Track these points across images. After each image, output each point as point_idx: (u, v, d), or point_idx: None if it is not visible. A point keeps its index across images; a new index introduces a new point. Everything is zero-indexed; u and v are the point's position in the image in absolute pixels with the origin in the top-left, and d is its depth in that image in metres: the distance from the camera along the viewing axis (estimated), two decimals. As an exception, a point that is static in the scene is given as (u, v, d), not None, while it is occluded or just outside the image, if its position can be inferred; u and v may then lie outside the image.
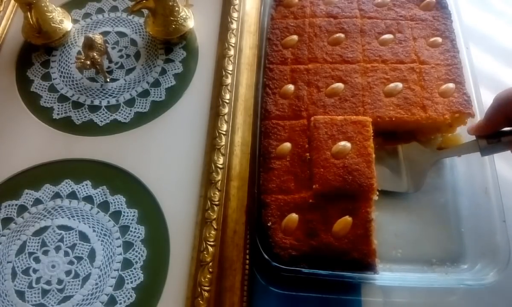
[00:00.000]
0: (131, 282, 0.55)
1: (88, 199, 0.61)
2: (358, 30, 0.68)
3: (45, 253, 0.57)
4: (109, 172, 0.63)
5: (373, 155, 0.56)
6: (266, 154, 0.59)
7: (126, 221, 0.59)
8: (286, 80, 0.65)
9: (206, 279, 0.54)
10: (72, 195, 0.61)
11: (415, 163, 0.62)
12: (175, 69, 0.72)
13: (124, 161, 0.63)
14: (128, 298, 0.54)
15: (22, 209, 0.60)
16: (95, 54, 0.66)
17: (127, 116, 0.68)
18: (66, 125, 0.67)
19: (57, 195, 0.61)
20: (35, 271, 0.56)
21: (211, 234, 0.57)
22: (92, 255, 0.57)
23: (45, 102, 0.69)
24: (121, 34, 0.76)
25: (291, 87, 0.64)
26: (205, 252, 0.56)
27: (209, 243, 0.56)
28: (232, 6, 0.76)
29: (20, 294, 0.54)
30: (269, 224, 0.54)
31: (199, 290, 0.53)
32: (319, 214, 0.54)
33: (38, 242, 0.58)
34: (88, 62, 0.66)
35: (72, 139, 0.66)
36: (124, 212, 0.60)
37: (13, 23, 0.77)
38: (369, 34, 0.68)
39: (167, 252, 0.57)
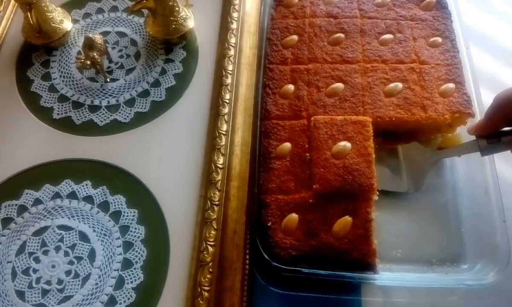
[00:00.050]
0: (131, 282, 0.55)
1: (88, 199, 0.61)
2: (358, 30, 0.68)
3: (45, 253, 0.57)
4: (109, 172, 0.63)
5: (373, 155, 0.56)
6: (266, 154, 0.59)
7: (126, 221, 0.59)
8: (286, 80, 0.65)
9: (206, 279, 0.54)
10: (72, 195, 0.61)
11: (415, 163, 0.62)
12: (175, 69, 0.72)
13: (124, 161, 0.63)
14: (128, 298, 0.54)
15: (22, 209, 0.60)
16: (95, 54, 0.66)
17: (127, 116, 0.68)
18: (66, 125, 0.67)
19: (57, 195, 0.61)
20: (35, 271, 0.56)
21: (211, 234, 0.57)
22: (92, 255, 0.57)
23: (45, 102, 0.69)
24: (121, 34, 0.76)
25: (291, 87, 0.64)
26: (205, 252, 0.56)
27: (209, 243, 0.56)
28: (232, 6, 0.76)
29: (20, 294, 0.54)
30: (269, 224, 0.54)
31: (199, 290, 0.53)
32: (319, 214, 0.54)
33: (38, 242, 0.58)
34: (88, 62, 0.66)
35: (72, 139, 0.66)
36: (124, 212, 0.60)
37: (13, 23, 0.77)
38: (369, 34, 0.68)
39: (167, 252, 0.57)
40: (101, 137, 0.66)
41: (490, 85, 0.68)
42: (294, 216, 0.54)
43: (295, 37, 0.68)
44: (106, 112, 0.68)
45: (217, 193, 0.60)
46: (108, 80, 0.71)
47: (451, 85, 0.62)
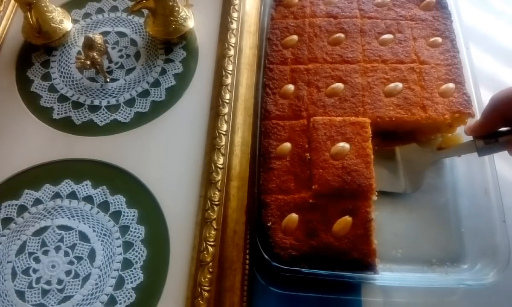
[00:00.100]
0: (131, 282, 0.55)
1: (88, 199, 0.61)
2: (358, 30, 0.68)
3: (45, 253, 0.57)
4: (109, 172, 0.63)
5: (372, 156, 0.56)
6: (266, 154, 0.59)
7: (126, 221, 0.59)
8: (286, 80, 0.65)
9: (206, 279, 0.54)
10: (72, 195, 0.61)
11: (413, 164, 0.62)
12: (175, 69, 0.72)
13: (124, 161, 0.63)
14: (128, 298, 0.54)
15: (22, 209, 0.60)
16: (95, 54, 0.66)
17: (127, 116, 0.68)
18: (66, 125, 0.67)
19: (57, 195, 0.61)
20: (35, 271, 0.56)
21: (211, 234, 0.57)
22: (92, 255, 0.57)
23: (45, 102, 0.69)
24: (121, 34, 0.76)
25: (291, 87, 0.64)
26: (205, 252, 0.56)
27: (209, 243, 0.56)
28: (232, 6, 0.76)
29: (20, 294, 0.54)
30: (269, 224, 0.54)
31: (199, 290, 0.53)
32: (319, 214, 0.54)
33: (38, 242, 0.58)
34: (88, 62, 0.66)
35: (72, 139, 0.66)
36: (124, 212, 0.60)
37: (13, 23, 0.77)
38: (369, 34, 0.68)
39: (167, 252, 0.57)
40: (101, 137, 0.66)
41: (490, 85, 0.68)
42: (294, 216, 0.54)
43: (295, 37, 0.68)
44: (106, 112, 0.68)
45: (217, 193, 0.60)
46: (108, 80, 0.71)
47: (451, 85, 0.62)
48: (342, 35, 0.68)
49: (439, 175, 0.63)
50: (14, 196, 0.61)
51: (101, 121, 0.67)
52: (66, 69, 0.72)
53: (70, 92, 0.70)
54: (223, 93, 0.68)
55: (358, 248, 0.52)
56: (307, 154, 0.58)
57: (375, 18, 0.70)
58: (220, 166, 0.62)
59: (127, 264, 0.56)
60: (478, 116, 0.60)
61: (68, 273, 0.56)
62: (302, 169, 0.57)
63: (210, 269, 0.55)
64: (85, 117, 0.68)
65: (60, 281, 0.55)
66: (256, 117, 0.63)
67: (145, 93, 0.70)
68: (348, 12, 0.70)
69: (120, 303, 0.54)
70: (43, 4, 0.70)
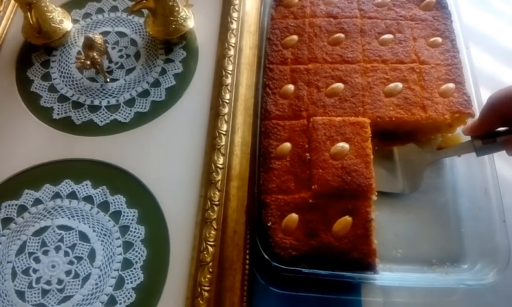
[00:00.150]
0: (131, 282, 0.55)
1: (88, 199, 0.61)
2: (358, 30, 0.68)
3: (45, 253, 0.57)
4: (109, 172, 0.63)
5: (371, 156, 0.56)
6: (266, 154, 0.59)
7: (126, 221, 0.59)
8: (286, 80, 0.65)
9: (206, 279, 0.54)
10: (72, 195, 0.61)
11: (411, 164, 0.62)
12: (175, 69, 0.72)
13: (124, 161, 0.63)
14: (128, 298, 0.54)
15: (22, 209, 0.60)
16: (95, 54, 0.66)
17: (127, 116, 0.68)
18: (66, 125, 0.67)
19: (57, 195, 0.61)
20: (35, 271, 0.56)
21: (211, 234, 0.57)
22: (92, 255, 0.57)
23: (45, 102, 0.69)
24: (121, 34, 0.76)
25: (291, 87, 0.64)
26: (205, 252, 0.56)
27: (209, 243, 0.56)
28: (232, 6, 0.76)
29: (20, 294, 0.54)
30: (269, 224, 0.54)
31: (199, 290, 0.53)
32: (319, 214, 0.54)
33: (38, 242, 0.58)
34: (88, 62, 0.66)
35: (72, 139, 0.66)
36: (124, 212, 0.60)
37: (13, 23, 0.77)
38: (369, 34, 0.68)
39: (167, 252, 0.57)
40: (101, 137, 0.66)
41: (490, 85, 0.68)
42: (294, 216, 0.54)
43: (295, 37, 0.68)
44: (106, 112, 0.68)
45: (217, 193, 0.60)
46: (108, 80, 0.71)
47: (451, 85, 0.62)
48: (342, 35, 0.68)
49: (439, 175, 0.63)
50: (14, 196, 0.61)
51: (101, 121, 0.67)
52: (66, 69, 0.72)
53: (70, 92, 0.70)
54: (223, 93, 0.68)
55: (358, 248, 0.52)
56: (307, 154, 0.58)
57: (375, 18, 0.70)
58: (220, 166, 0.62)
59: (127, 264, 0.56)
60: (477, 116, 0.60)
61: (68, 273, 0.56)
62: (302, 169, 0.57)
63: (210, 269, 0.55)
64: (85, 117, 0.68)
65: (60, 281, 0.55)
66: (256, 117, 0.63)
67: (145, 93, 0.70)
68: (348, 12, 0.70)
69: (120, 303, 0.54)
70: (43, 4, 0.70)
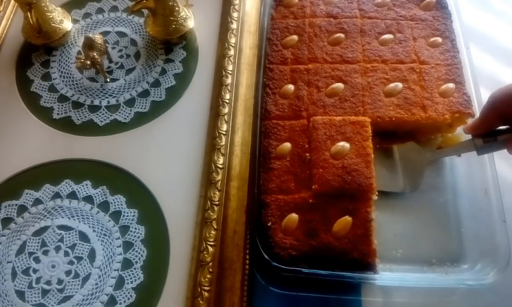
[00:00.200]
0: (131, 282, 0.55)
1: (88, 199, 0.61)
2: (358, 30, 0.68)
3: (45, 253, 0.57)
4: (109, 172, 0.63)
5: (372, 155, 0.56)
6: (266, 154, 0.59)
7: (126, 221, 0.59)
8: (286, 80, 0.65)
9: (206, 279, 0.54)
10: (72, 195, 0.61)
11: (412, 163, 0.62)
12: (175, 69, 0.72)
13: (124, 161, 0.63)
14: (128, 298, 0.54)
15: (22, 209, 0.60)
16: (95, 54, 0.66)
17: (127, 116, 0.68)
18: (66, 125, 0.67)
19: (57, 195, 0.61)
20: (35, 271, 0.56)
21: (211, 234, 0.57)
22: (92, 255, 0.57)
23: (45, 102, 0.69)
24: (121, 34, 0.76)
25: (291, 87, 0.64)
26: (205, 252, 0.56)
27: (209, 243, 0.56)
28: (232, 6, 0.76)
29: (20, 294, 0.54)
30: (269, 224, 0.54)
31: (199, 290, 0.53)
32: (319, 214, 0.54)
33: (38, 242, 0.58)
34: (88, 62, 0.66)
35: (72, 139, 0.66)
36: (124, 212, 0.60)
37: (13, 23, 0.77)
38: (369, 34, 0.68)
39: (167, 252, 0.57)
40: (101, 137, 0.66)
41: (490, 85, 0.67)
42: (294, 216, 0.54)
43: (295, 37, 0.68)
44: (106, 112, 0.68)
45: (217, 193, 0.60)
46: (108, 80, 0.71)
47: (451, 85, 0.62)
48: (342, 35, 0.68)
49: (439, 175, 0.63)
50: (14, 196, 0.61)
51: (101, 121, 0.67)
52: (66, 69, 0.72)
53: (70, 92, 0.70)
54: (223, 93, 0.68)
55: (358, 248, 0.52)
56: (307, 154, 0.58)
57: (375, 18, 0.70)
58: (220, 166, 0.62)
59: (127, 264, 0.56)
60: (477, 116, 0.60)
61: (68, 273, 0.56)
62: (302, 169, 0.57)
63: (210, 269, 0.55)
64: (85, 117, 0.68)
65: (60, 281, 0.55)
66: (256, 117, 0.63)
67: (145, 93, 0.70)
68: (348, 12, 0.70)
69: (120, 303, 0.54)
70: (43, 4, 0.70)
